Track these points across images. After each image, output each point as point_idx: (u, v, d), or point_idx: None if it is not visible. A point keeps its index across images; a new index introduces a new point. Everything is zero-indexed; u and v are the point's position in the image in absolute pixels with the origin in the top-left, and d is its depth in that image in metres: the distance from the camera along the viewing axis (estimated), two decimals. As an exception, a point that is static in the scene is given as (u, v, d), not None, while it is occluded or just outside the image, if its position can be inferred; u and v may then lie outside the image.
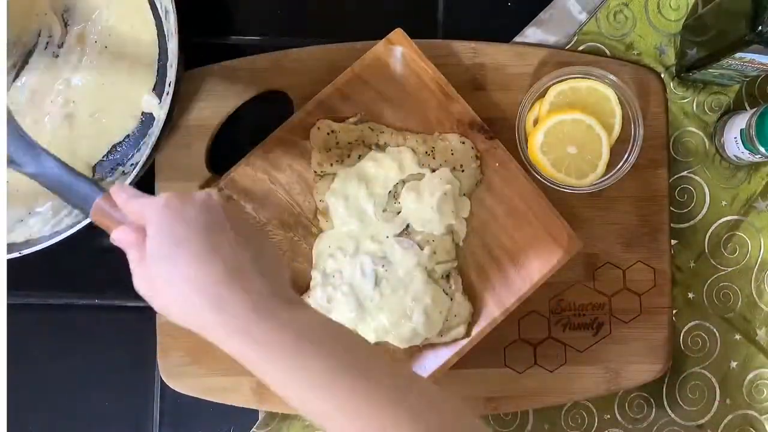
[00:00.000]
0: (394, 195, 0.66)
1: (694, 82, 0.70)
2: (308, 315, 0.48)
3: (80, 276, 0.71)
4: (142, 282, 0.48)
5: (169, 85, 0.61)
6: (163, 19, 0.65)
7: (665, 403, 0.71)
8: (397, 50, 0.66)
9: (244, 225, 0.49)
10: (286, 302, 0.47)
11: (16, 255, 0.61)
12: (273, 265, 0.49)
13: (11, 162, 0.55)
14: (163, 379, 0.68)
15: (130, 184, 0.60)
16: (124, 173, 0.66)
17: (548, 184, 0.65)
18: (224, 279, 0.45)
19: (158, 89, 0.66)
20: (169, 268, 0.45)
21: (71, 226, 0.61)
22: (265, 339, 0.44)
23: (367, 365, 0.46)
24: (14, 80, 0.67)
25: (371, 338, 0.65)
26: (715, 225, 0.71)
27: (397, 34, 0.65)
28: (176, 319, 0.47)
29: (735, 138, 0.66)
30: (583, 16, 0.71)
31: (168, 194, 0.48)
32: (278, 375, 0.45)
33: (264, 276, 0.47)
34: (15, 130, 0.55)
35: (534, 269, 0.65)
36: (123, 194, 0.50)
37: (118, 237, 0.49)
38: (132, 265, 0.48)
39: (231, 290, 0.45)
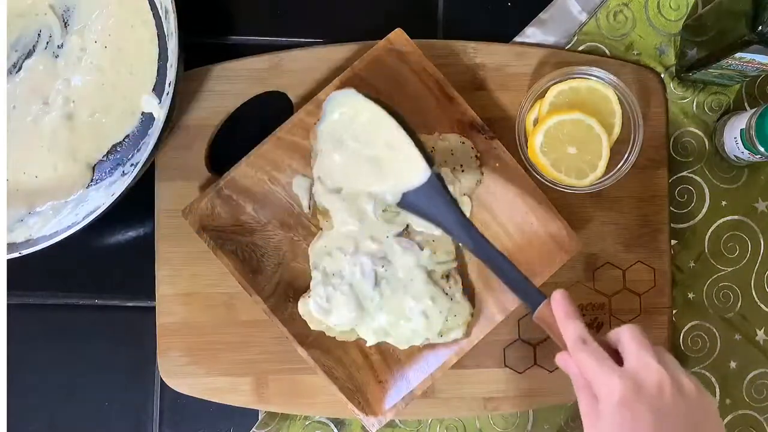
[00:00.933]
0: (394, 195, 0.66)
1: (694, 82, 0.70)
2: None
3: (80, 276, 0.71)
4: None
5: (169, 85, 0.61)
6: (163, 19, 0.65)
7: (665, 403, 0.71)
8: (397, 50, 0.66)
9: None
10: None
11: (16, 255, 0.61)
12: None
13: (450, 232, 0.59)
14: (163, 379, 0.68)
15: (130, 184, 0.61)
16: (124, 173, 0.66)
17: (548, 184, 0.65)
18: None
19: (158, 89, 0.66)
20: None
21: (71, 226, 0.61)
22: None
23: None
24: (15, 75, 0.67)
25: (371, 339, 0.65)
26: (715, 225, 0.71)
27: (397, 34, 0.65)
28: None
29: (735, 138, 0.66)
30: (583, 16, 0.71)
31: (623, 388, 0.48)
32: None
33: None
34: (456, 210, 0.58)
35: (534, 269, 0.65)
36: (583, 353, 0.51)
37: (568, 366, 0.53)
38: (583, 411, 0.50)
39: None
